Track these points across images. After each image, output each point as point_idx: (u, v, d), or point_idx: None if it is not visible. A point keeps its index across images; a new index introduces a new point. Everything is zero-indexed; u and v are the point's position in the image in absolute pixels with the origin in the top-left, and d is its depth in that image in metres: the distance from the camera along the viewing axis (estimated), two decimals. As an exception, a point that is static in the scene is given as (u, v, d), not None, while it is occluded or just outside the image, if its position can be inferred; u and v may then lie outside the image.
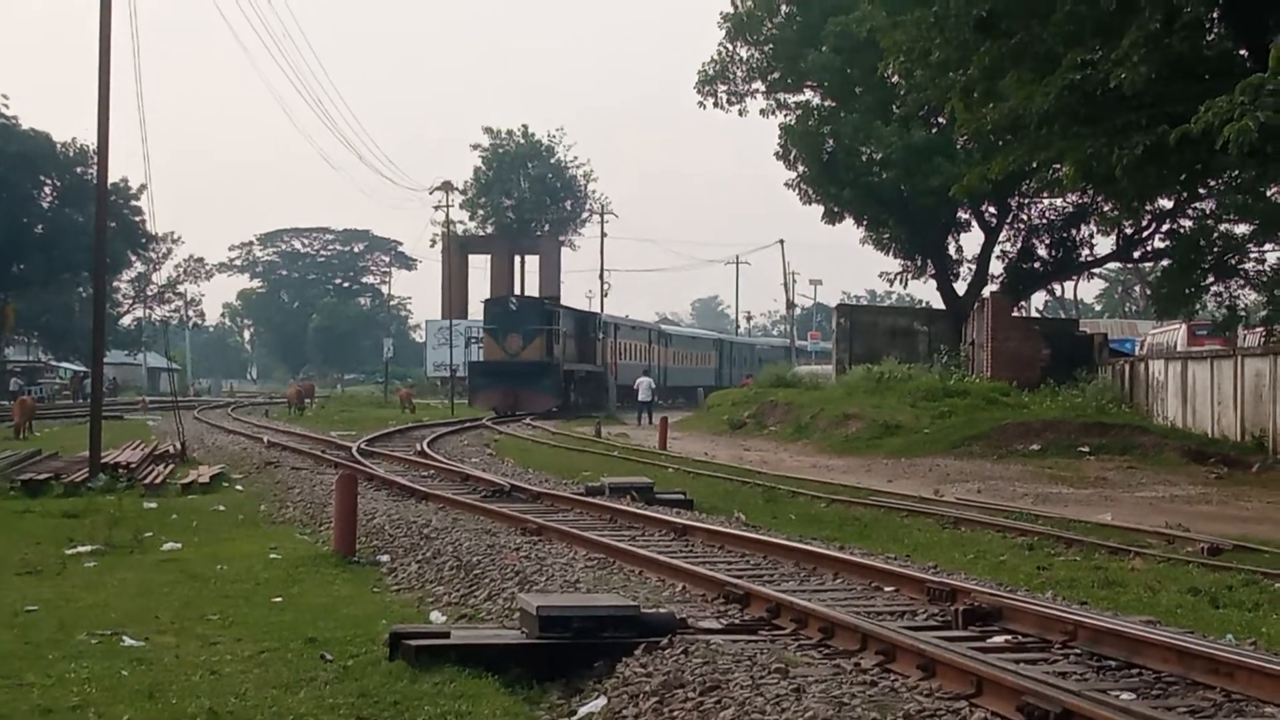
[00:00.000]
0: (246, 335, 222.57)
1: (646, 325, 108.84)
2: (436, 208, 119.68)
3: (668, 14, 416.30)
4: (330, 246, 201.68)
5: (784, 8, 63.45)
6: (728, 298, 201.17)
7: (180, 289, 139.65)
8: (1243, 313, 49.76)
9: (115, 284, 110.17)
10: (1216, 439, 38.67)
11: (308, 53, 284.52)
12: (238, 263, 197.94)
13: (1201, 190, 47.07)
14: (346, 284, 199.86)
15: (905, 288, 71.00)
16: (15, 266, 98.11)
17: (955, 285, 64.39)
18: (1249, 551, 19.92)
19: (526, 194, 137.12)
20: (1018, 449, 40.02)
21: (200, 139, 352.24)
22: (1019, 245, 62.39)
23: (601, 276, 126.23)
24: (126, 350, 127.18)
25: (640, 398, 73.72)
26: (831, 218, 63.21)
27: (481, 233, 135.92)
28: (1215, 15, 32.27)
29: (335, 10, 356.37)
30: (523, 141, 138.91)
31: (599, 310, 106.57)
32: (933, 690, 10.49)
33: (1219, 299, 50.27)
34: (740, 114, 65.00)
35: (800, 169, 61.80)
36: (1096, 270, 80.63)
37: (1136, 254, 62.53)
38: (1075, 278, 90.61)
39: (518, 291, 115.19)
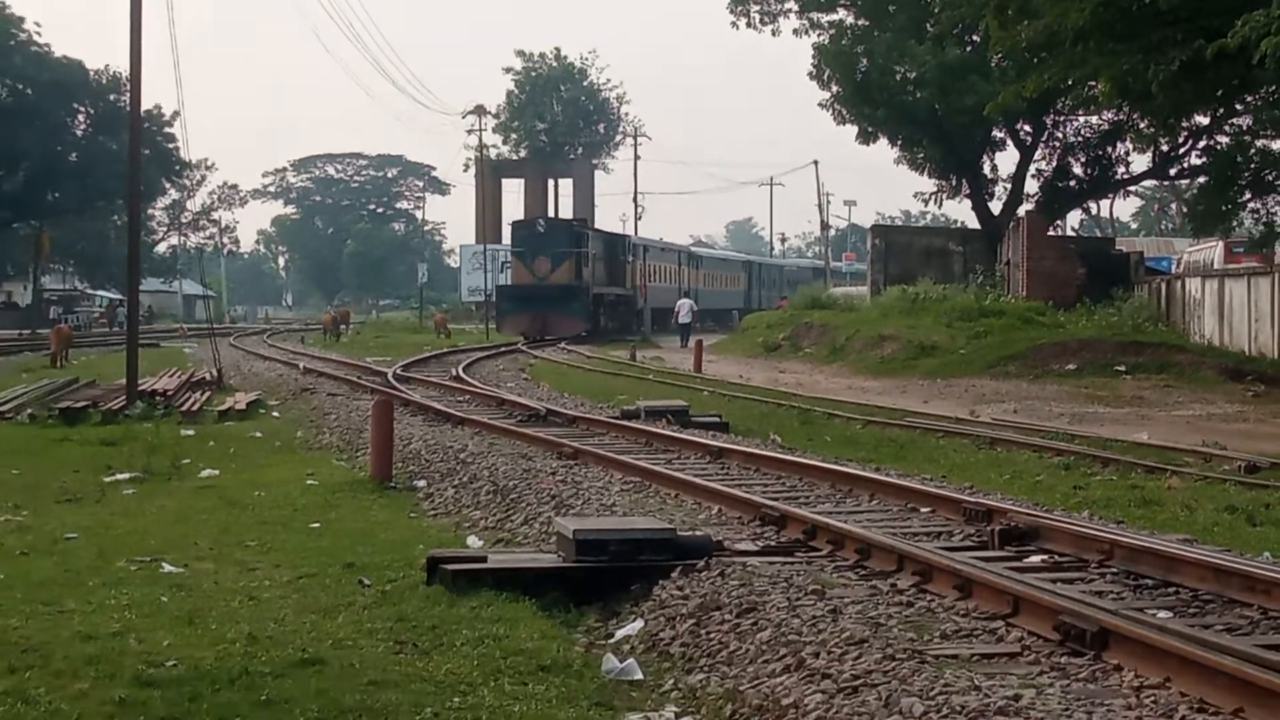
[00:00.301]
0: (281, 262, 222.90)
1: (676, 247, 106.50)
2: (469, 132, 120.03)
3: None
4: (364, 172, 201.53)
5: (816, -74, 62.93)
6: (762, 220, 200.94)
7: (214, 216, 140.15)
8: (1280, 229, 49.50)
9: (150, 211, 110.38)
10: (1253, 357, 38.52)
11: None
12: (271, 189, 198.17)
13: (1238, 106, 46.75)
14: (380, 210, 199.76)
15: (940, 208, 70.60)
16: (50, 195, 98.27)
17: (990, 205, 64.06)
18: (1286, 469, 19.85)
19: (559, 117, 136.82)
20: (1054, 369, 39.87)
21: (233, 65, 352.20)
22: (1054, 164, 62.06)
23: (635, 199, 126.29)
24: (162, 278, 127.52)
25: (680, 320, 73.54)
26: (865, 138, 62.86)
27: (515, 157, 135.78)
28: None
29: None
30: (555, 64, 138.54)
31: (633, 232, 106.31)
32: (969, 610, 10.50)
33: (1256, 216, 50.09)
34: (773, 34, 64.44)
35: (834, 89, 61.36)
36: (1132, 188, 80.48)
37: (1173, 171, 62.22)
38: (1111, 196, 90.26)
39: (551, 214, 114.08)
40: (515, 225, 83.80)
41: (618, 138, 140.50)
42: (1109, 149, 60.74)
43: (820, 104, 62.39)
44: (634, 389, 36.07)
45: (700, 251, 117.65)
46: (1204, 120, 52.26)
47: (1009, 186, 63.96)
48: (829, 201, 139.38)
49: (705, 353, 50.83)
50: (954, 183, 63.91)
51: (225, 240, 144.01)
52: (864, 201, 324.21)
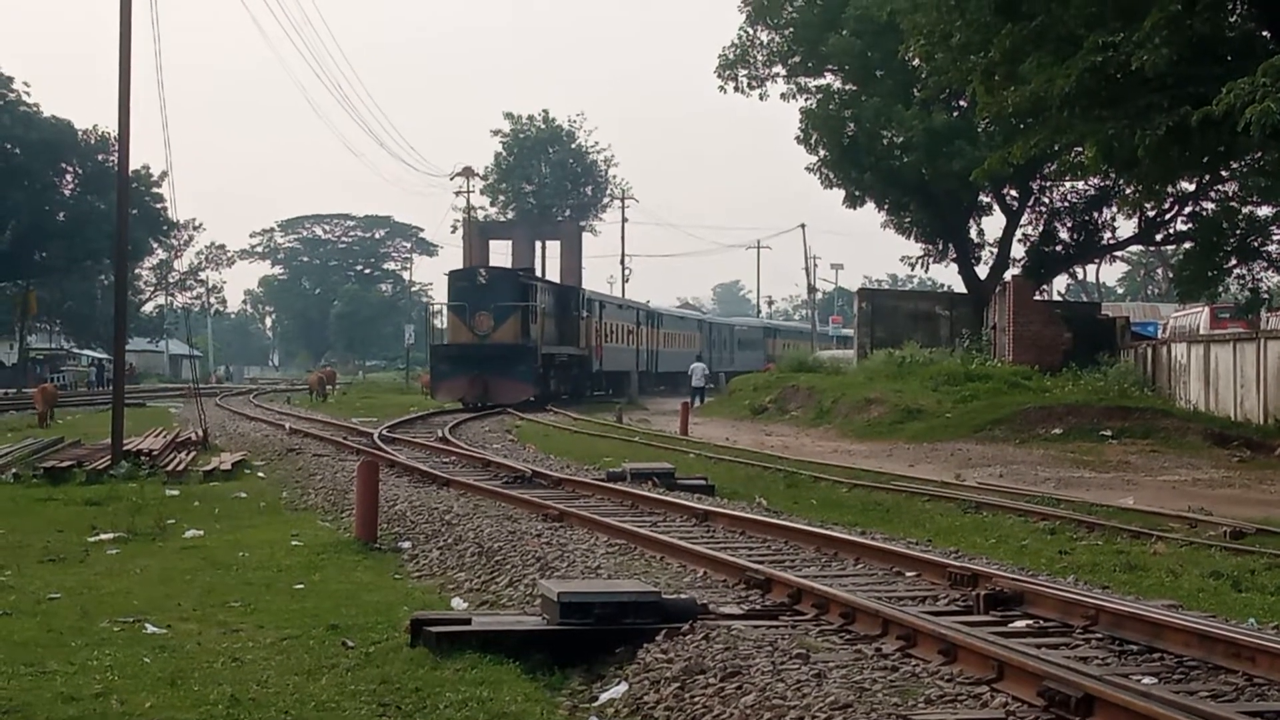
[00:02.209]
0: (268, 322, 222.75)
1: (634, 304, 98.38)
2: (457, 193, 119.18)
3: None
4: (351, 233, 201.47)
5: (804, -9, 63.32)
6: (749, 283, 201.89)
7: (202, 276, 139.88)
8: (1265, 295, 49.64)
9: (137, 271, 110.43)
10: (1239, 422, 38.57)
11: (328, 38, 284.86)
12: (259, 250, 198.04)
13: (1224, 172, 46.93)
14: (368, 270, 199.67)
15: (926, 272, 70.97)
16: (38, 254, 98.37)
17: (977, 269, 64.23)
18: (1272, 535, 19.87)
19: (547, 179, 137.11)
20: (1039, 433, 39.89)
21: (222, 126, 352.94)
22: (1041, 228, 62.21)
23: (623, 261, 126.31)
24: (148, 337, 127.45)
25: (694, 383, 72.85)
26: (853, 202, 63.10)
27: (502, 218, 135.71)
28: (1237, -4, 32.20)
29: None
30: (543, 127, 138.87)
31: (620, 294, 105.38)
32: (954, 675, 10.48)
33: (1242, 281, 50.16)
34: (761, 98, 64.89)
35: (821, 153, 61.64)
36: (1118, 253, 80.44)
37: (1159, 237, 62.37)
38: (1097, 261, 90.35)
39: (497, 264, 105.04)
40: (452, 275, 71.81)
41: (605, 200, 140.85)
42: (1095, 214, 60.93)
43: (808, 168, 62.73)
44: (620, 451, 36.06)
45: (661, 310, 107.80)
46: (1190, 186, 52.50)
47: (995, 251, 64.20)
48: (816, 265, 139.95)
49: (691, 415, 50.84)
50: (941, 247, 64.09)
51: (212, 300, 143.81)
52: (851, 265, 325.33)
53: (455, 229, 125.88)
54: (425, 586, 16.67)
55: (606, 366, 80.00)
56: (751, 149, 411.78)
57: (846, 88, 62.84)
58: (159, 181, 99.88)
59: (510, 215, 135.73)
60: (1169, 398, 44.46)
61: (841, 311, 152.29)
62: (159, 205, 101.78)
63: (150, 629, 13.71)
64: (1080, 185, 59.61)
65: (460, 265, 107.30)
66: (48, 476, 29.30)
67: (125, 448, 32.85)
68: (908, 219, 63.53)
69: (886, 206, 63.56)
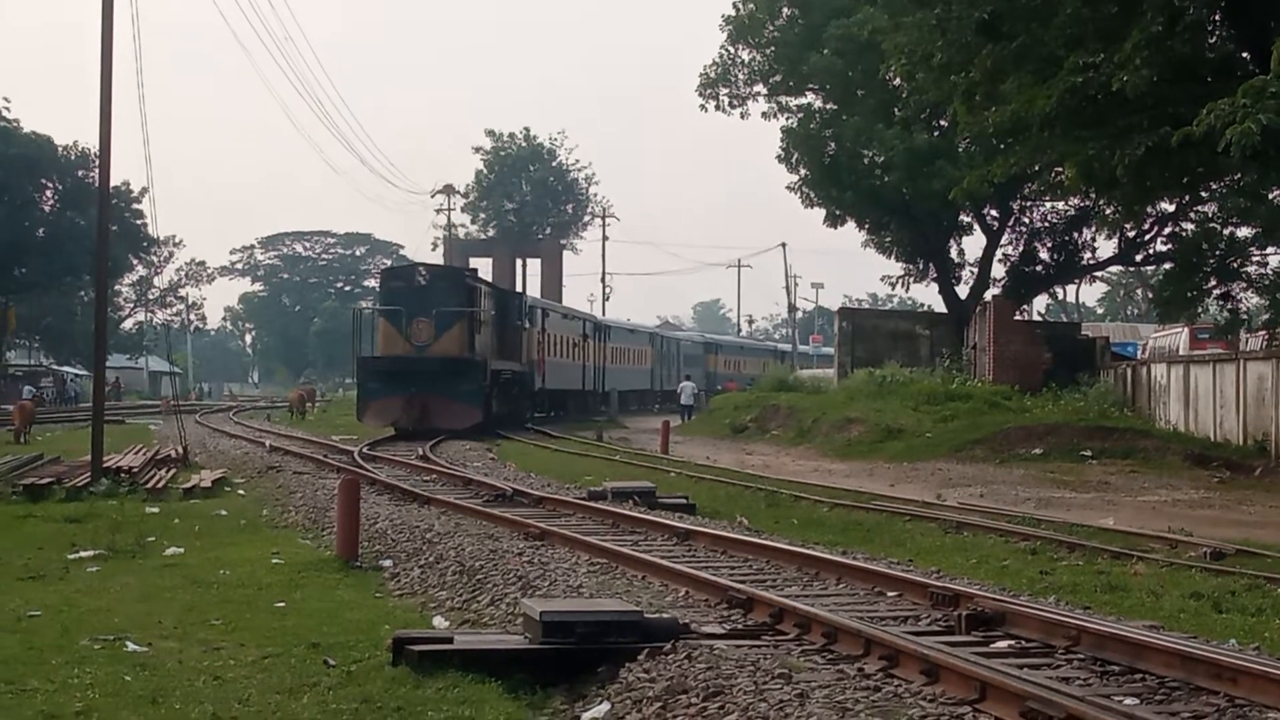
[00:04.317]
0: (248, 339, 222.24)
1: (581, 314, 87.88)
2: (438, 211, 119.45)
3: (669, 17, 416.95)
4: (332, 250, 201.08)
5: (785, 10, 63.37)
6: (730, 301, 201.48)
7: (182, 292, 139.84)
8: (1245, 316, 49.74)
9: (117, 287, 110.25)
10: (1219, 443, 38.63)
11: (309, 55, 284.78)
12: (239, 266, 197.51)
13: (1203, 193, 47.08)
14: (349, 287, 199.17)
15: (907, 291, 70.73)
16: (17, 270, 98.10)
17: (957, 289, 64.37)
18: (1251, 556, 19.90)
19: (528, 197, 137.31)
20: (1020, 453, 39.94)
21: (202, 142, 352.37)
22: (1021, 248, 62.35)
23: (603, 279, 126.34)
24: (128, 354, 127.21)
25: (683, 401, 72.45)
26: (833, 221, 63.17)
27: (483, 236, 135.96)
28: (1217, 17, 32.31)
29: (336, 13, 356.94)
30: (524, 144, 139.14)
31: (601, 314, 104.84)
32: (936, 696, 10.48)
33: (1221, 302, 50.28)
34: (742, 117, 65.03)
35: (802, 172, 61.75)
36: (1098, 273, 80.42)
37: (1138, 257, 62.47)
38: (1077, 281, 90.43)
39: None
40: (385, 274, 63.57)
41: (586, 218, 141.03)
42: (1075, 234, 61.06)
43: (789, 187, 62.86)
44: (601, 470, 36.06)
45: (609, 322, 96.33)
46: (1169, 207, 52.65)
47: (976, 271, 64.32)
48: (797, 284, 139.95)
49: (672, 434, 50.84)
50: (921, 266, 64.22)
51: (192, 317, 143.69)
52: (831, 284, 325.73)
53: (436, 247, 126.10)
54: (407, 605, 16.63)
55: (549, 384, 70.96)
56: (733, 167, 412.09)
57: (827, 107, 62.97)
58: (139, 197, 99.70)
59: (491, 233, 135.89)
60: (1149, 418, 44.52)
61: (822, 331, 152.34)
62: (139, 221, 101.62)
63: (131, 647, 13.66)
64: (1060, 205, 59.80)
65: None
66: (27, 493, 29.17)
67: (105, 465, 32.76)
68: (888, 238, 63.64)
69: (867, 226, 63.67)
